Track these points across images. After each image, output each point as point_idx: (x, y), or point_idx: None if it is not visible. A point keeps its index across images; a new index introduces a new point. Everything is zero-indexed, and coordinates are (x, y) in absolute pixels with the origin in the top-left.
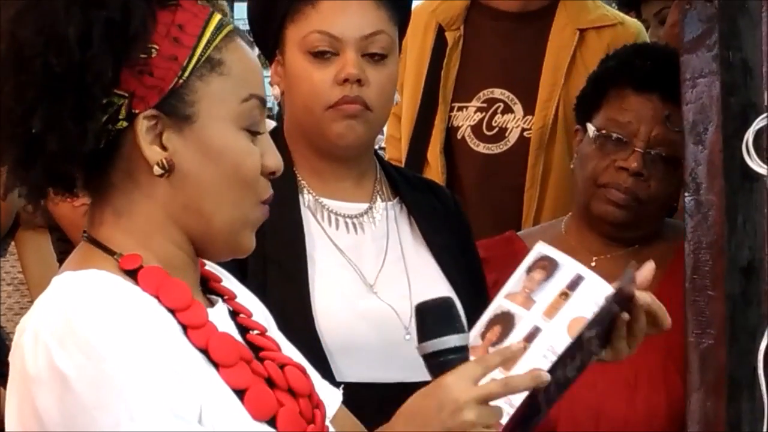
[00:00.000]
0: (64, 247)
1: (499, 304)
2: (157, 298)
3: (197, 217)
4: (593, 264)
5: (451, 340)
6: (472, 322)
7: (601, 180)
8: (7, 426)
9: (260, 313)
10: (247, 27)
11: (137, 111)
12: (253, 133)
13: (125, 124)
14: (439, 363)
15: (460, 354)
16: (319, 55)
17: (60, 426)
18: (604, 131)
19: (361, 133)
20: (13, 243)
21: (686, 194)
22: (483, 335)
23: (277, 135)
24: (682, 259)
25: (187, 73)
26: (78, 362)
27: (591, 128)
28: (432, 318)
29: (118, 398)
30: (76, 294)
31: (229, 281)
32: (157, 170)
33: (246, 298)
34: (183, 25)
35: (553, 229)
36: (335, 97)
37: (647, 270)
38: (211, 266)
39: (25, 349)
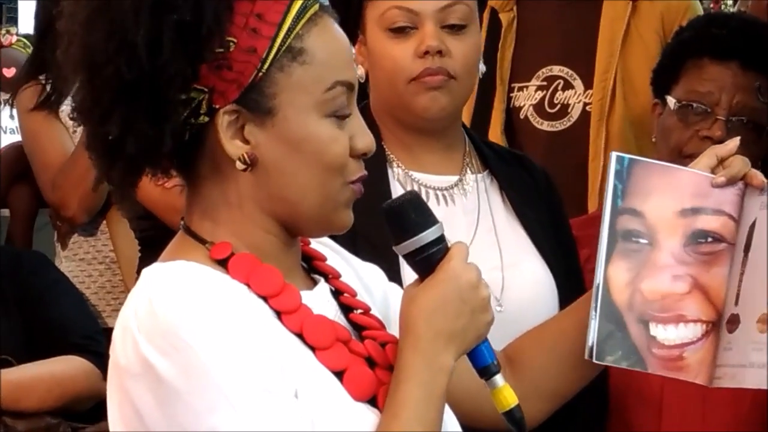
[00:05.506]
0: (144, 225)
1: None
2: (248, 285)
3: (284, 205)
4: None
5: (430, 234)
6: (564, 297)
7: (686, 150)
8: (110, 416)
9: (377, 283)
10: None
11: (217, 106)
12: (341, 117)
13: (206, 119)
14: (424, 258)
15: (441, 244)
16: (398, 31)
17: (158, 415)
18: (685, 102)
19: (446, 104)
20: (104, 222)
21: None
22: None
23: (364, 112)
24: None
25: (266, 66)
26: (165, 352)
27: (671, 100)
28: (407, 215)
29: (210, 382)
30: (160, 286)
31: (339, 256)
32: (239, 165)
33: (361, 271)
34: (262, 14)
35: None
36: (417, 70)
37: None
38: (317, 244)
39: (117, 342)
